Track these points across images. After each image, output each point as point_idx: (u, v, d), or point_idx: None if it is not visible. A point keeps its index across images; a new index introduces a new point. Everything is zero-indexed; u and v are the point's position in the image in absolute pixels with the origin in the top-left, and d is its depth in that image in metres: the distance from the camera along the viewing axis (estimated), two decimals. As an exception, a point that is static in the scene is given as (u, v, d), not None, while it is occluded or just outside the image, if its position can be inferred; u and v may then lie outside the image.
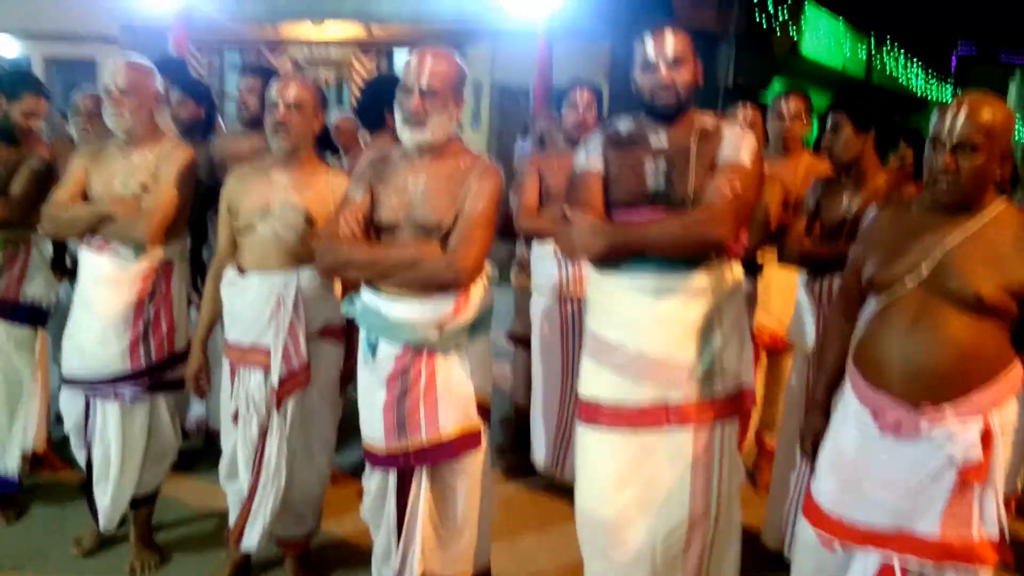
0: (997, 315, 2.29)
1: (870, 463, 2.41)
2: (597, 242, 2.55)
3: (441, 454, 2.83)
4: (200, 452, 4.56)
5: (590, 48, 11.60)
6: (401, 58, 14.25)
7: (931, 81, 30.49)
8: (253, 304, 3.10)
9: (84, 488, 3.58)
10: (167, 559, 3.64)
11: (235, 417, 3.23)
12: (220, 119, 4.94)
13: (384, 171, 2.86)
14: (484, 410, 2.94)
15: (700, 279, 2.61)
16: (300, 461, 3.26)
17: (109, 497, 3.49)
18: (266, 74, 4.32)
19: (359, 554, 3.58)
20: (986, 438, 2.30)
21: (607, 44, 11.86)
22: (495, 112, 12.68)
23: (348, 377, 3.32)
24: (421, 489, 2.86)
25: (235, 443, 3.25)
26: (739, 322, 2.74)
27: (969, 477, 2.29)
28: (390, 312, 2.78)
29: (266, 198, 3.12)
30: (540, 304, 4.13)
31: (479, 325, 2.87)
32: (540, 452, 4.26)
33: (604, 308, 2.69)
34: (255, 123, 4.20)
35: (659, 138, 2.66)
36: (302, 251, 3.11)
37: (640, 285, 2.61)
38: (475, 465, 2.92)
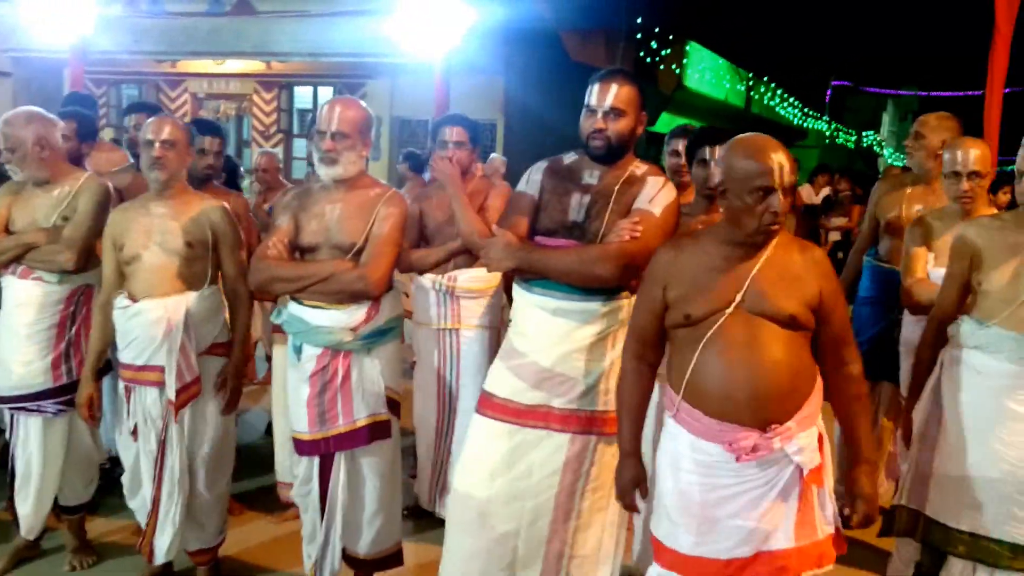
0: (804, 329, 2.43)
1: (720, 497, 2.43)
2: (506, 260, 2.89)
3: (355, 441, 3.17)
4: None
5: (486, 83, 12.03)
6: (301, 92, 14.54)
7: (807, 111, 32.10)
8: (146, 327, 3.29)
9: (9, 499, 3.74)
10: (101, 560, 3.82)
11: (134, 432, 3.47)
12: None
13: (306, 201, 3.21)
14: (394, 404, 3.27)
15: (597, 306, 2.83)
16: (200, 471, 3.49)
17: (30, 505, 3.68)
18: (152, 110, 4.47)
19: (269, 563, 3.85)
20: (820, 443, 2.45)
21: (502, 80, 12.40)
22: (394, 144, 13.04)
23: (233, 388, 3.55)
24: (340, 472, 3.23)
25: (135, 457, 3.49)
26: None
27: (811, 482, 2.42)
28: (312, 319, 3.12)
29: (148, 229, 3.34)
30: (419, 336, 4.25)
31: (389, 330, 3.22)
32: (423, 484, 4.27)
33: (516, 317, 3.04)
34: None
35: (591, 176, 2.90)
36: (188, 275, 3.35)
37: (542, 303, 2.92)
38: (385, 452, 3.27)
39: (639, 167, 2.92)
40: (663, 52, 17.27)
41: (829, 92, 35.64)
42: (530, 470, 2.92)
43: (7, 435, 3.78)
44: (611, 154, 2.88)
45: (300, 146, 14.32)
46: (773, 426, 2.37)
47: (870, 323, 4.26)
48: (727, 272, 2.43)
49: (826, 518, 2.47)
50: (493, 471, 2.93)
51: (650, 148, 15.46)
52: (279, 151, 14.33)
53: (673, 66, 18.25)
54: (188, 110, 14.66)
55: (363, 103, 3.26)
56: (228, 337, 3.50)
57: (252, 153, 14.46)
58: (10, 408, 3.66)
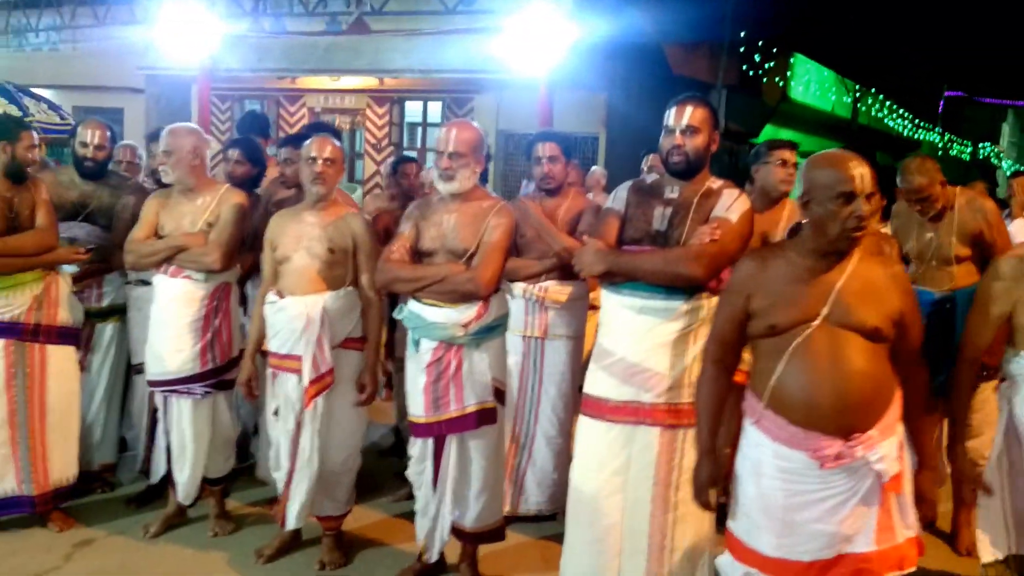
0: (885, 341, 2.52)
1: (803, 502, 2.52)
2: (598, 264, 3.20)
3: (465, 425, 3.56)
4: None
5: (589, 99, 12.29)
6: (411, 106, 15.11)
7: (919, 122, 31.22)
8: (288, 321, 3.73)
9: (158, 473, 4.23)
10: (239, 528, 4.28)
11: (276, 413, 3.87)
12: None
13: (426, 210, 3.63)
14: (499, 393, 3.66)
15: (680, 305, 3.08)
16: (331, 450, 3.83)
17: (186, 475, 4.15)
18: (299, 141, 4.91)
19: (384, 538, 4.25)
20: (900, 450, 2.56)
21: (604, 95, 12.56)
22: (500, 157, 13.43)
23: None
24: (451, 453, 3.63)
25: (277, 436, 3.95)
26: None
27: (891, 489, 2.52)
28: (428, 316, 3.53)
29: (298, 234, 3.79)
30: (509, 343, 4.51)
31: (496, 327, 3.61)
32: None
33: (605, 320, 3.35)
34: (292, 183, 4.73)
35: (672, 191, 3.20)
36: (328, 277, 3.77)
37: (630, 304, 3.14)
38: (491, 436, 3.65)
39: (715, 182, 3.22)
40: (768, 64, 17.21)
41: (942, 103, 34.55)
42: (627, 464, 3.19)
43: (157, 415, 4.26)
44: (689, 169, 3.17)
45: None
46: (856, 434, 2.46)
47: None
48: (812, 284, 2.53)
49: (905, 522, 2.58)
50: (596, 467, 3.22)
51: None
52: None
53: (777, 78, 18.15)
54: (305, 124, 15.35)
55: (476, 124, 3.66)
56: (361, 333, 3.90)
57: (365, 165, 15.11)
58: (163, 391, 4.13)
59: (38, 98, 5.13)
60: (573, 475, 3.33)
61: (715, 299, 3.12)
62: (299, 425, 3.79)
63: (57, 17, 15.34)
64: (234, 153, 4.85)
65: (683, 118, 3.14)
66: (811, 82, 20.57)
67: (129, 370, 4.80)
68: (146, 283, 4.46)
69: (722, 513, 2.85)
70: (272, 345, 3.84)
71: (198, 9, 11.55)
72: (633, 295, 3.15)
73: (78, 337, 4.38)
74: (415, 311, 3.57)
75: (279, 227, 3.87)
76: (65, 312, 4.22)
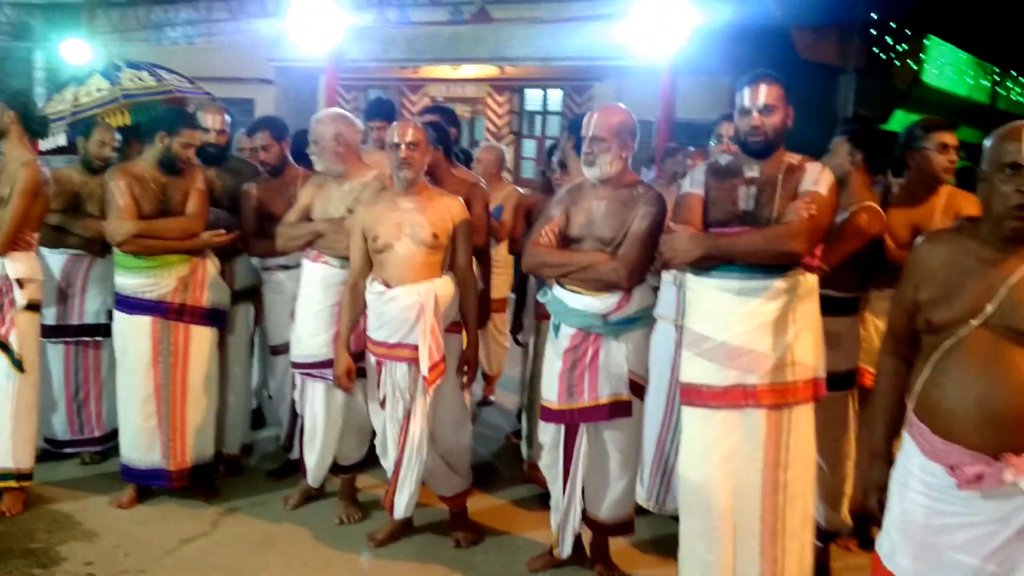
0: None
1: (945, 525, 2.25)
2: (694, 249, 3.09)
3: (597, 415, 3.53)
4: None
5: (711, 84, 12.16)
6: (531, 94, 15.16)
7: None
8: (400, 311, 3.70)
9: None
10: (367, 516, 4.33)
11: (383, 403, 3.87)
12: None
13: (577, 196, 3.60)
14: (638, 387, 3.58)
15: (777, 283, 3.05)
16: (440, 434, 3.89)
17: (315, 458, 4.25)
18: (388, 115, 4.99)
19: (512, 528, 4.26)
20: None
21: (728, 80, 12.40)
22: (619, 144, 13.33)
23: None
24: (583, 442, 3.61)
25: (383, 424, 3.97)
26: (813, 321, 3.16)
27: None
28: (569, 302, 3.51)
29: (399, 222, 3.75)
30: (659, 329, 4.35)
31: (638, 319, 3.53)
32: (643, 481, 4.23)
33: (695, 306, 3.27)
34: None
35: (752, 169, 3.15)
36: (433, 263, 3.76)
37: (726, 286, 3.09)
38: (625, 429, 3.60)
39: (793, 157, 3.17)
40: (899, 47, 16.55)
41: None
42: (734, 450, 3.15)
43: (296, 395, 4.40)
44: (768, 147, 3.13)
45: (530, 147, 14.95)
46: (1007, 455, 2.15)
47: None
48: (980, 277, 2.21)
49: None
50: (702, 455, 3.20)
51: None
52: (510, 151, 15.05)
53: (910, 61, 17.44)
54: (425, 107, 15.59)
55: (623, 108, 3.58)
56: (459, 316, 3.93)
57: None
58: (301, 373, 4.24)
59: (138, 66, 5.34)
60: (680, 466, 3.31)
61: (811, 275, 3.13)
62: (408, 413, 3.82)
63: (193, 12, 16.00)
64: (261, 137, 4.69)
65: (759, 97, 3.11)
66: (946, 65, 19.69)
67: (265, 351, 4.98)
68: (287, 268, 4.61)
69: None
70: (379, 335, 3.83)
71: (326, 2, 11.84)
72: (727, 277, 3.11)
73: (223, 319, 4.54)
74: (558, 296, 3.58)
75: (374, 216, 3.83)
76: (211, 294, 4.37)
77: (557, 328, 3.61)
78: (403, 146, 3.73)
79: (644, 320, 3.60)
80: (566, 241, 3.59)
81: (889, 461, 2.50)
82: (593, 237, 3.52)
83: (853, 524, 3.83)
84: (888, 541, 2.41)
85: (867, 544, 2.38)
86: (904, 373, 2.47)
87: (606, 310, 3.47)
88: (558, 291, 3.59)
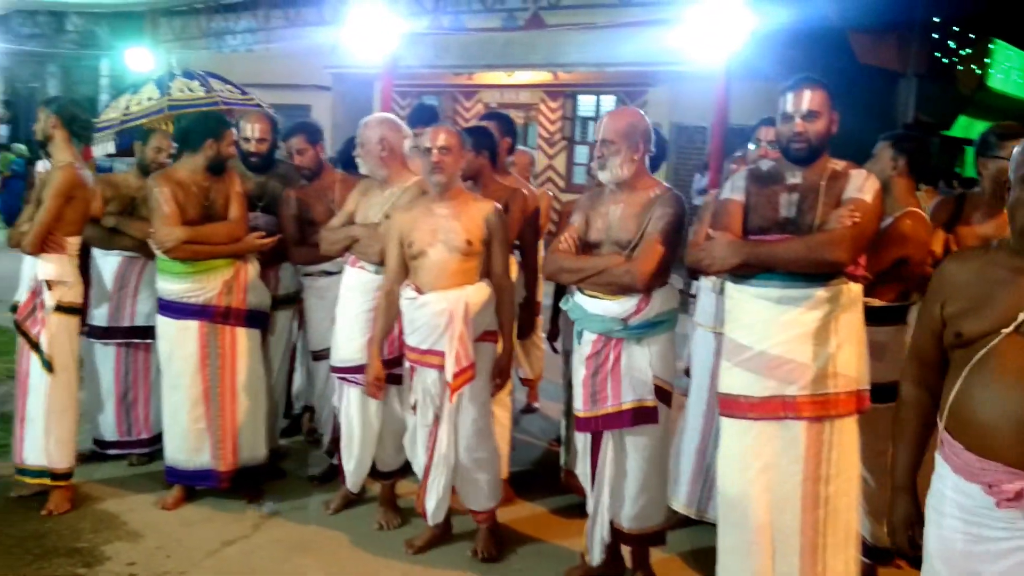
0: None
1: (988, 552, 2.11)
2: (733, 256, 3.07)
3: (620, 422, 3.47)
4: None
5: (766, 89, 11.87)
6: (584, 100, 15.12)
7: None
8: (430, 317, 3.69)
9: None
10: (407, 522, 4.31)
11: (414, 407, 3.89)
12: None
13: (596, 201, 3.59)
14: (664, 393, 3.50)
15: (819, 292, 2.97)
16: (467, 442, 3.81)
17: (352, 464, 4.26)
18: (429, 119, 4.87)
19: (549, 536, 4.24)
20: None
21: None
22: (672, 150, 13.12)
23: None
24: (608, 449, 3.54)
25: (414, 429, 3.96)
26: (856, 332, 3.07)
27: None
28: (589, 307, 3.48)
29: (433, 228, 3.73)
30: (696, 337, 4.29)
31: (660, 323, 3.46)
32: (681, 489, 4.21)
33: (734, 314, 3.21)
34: None
35: (794, 176, 3.08)
36: (467, 269, 3.73)
37: (766, 294, 3.02)
38: (651, 436, 3.52)
39: (837, 163, 3.09)
40: (963, 51, 16.17)
41: None
42: (772, 462, 3.08)
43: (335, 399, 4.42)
44: (812, 154, 3.05)
45: (582, 153, 14.89)
46: None
47: None
48: (1011, 286, 2.12)
49: None
50: (740, 467, 3.13)
51: (942, 155, 14.48)
52: (562, 157, 15.02)
53: (973, 66, 17.02)
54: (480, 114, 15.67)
55: (634, 111, 3.58)
56: (494, 325, 3.89)
57: (537, 159, 15.22)
58: (339, 377, 4.26)
59: (192, 75, 5.53)
60: (719, 479, 3.25)
61: (854, 285, 3.04)
62: (437, 419, 3.82)
63: (252, 21, 16.27)
64: (296, 141, 4.71)
65: (802, 103, 3.03)
66: (1012, 69, 19.18)
67: (307, 356, 5.02)
68: (328, 273, 4.64)
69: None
70: (412, 340, 3.84)
71: (382, 9, 11.96)
72: (768, 285, 3.03)
73: (266, 320, 4.60)
74: (578, 302, 3.56)
75: (410, 222, 3.81)
76: (252, 296, 4.44)
77: (580, 335, 3.59)
78: (434, 150, 3.72)
79: (668, 324, 3.52)
80: (586, 247, 3.57)
81: (913, 493, 2.41)
82: (611, 241, 3.49)
83: None
84: (931, 571, 2.28)
85: (917, 563, 2.29)
86: (927, 403, 2.37)
87: (625, 314, 3.42)
88: (578, 297, 3.57)
